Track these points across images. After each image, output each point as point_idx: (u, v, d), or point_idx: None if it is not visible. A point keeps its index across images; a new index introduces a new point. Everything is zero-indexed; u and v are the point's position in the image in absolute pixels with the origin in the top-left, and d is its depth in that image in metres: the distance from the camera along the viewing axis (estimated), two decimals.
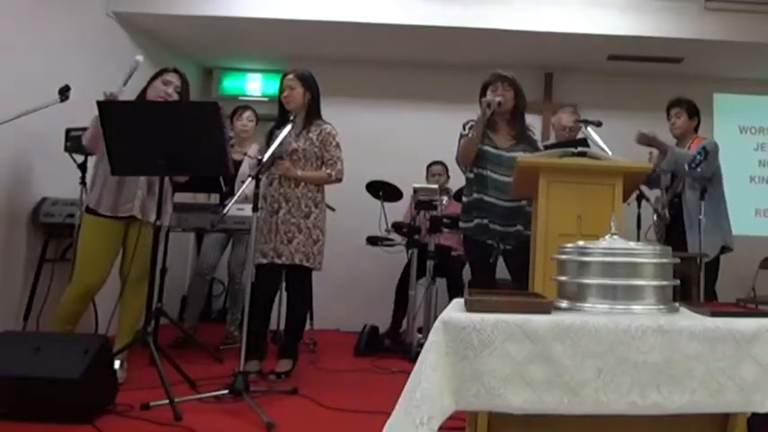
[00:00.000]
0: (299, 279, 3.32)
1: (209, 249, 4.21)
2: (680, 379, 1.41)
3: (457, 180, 4.59)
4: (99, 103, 2.75)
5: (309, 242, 3.22)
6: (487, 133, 3.24)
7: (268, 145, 3.31)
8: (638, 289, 1.55)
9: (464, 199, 3.33)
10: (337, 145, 3.34)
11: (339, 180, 3.35)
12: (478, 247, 3.23)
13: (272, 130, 3.37)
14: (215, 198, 4.24)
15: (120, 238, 3.09)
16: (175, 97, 3.11)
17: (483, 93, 3.28)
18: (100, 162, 3.04)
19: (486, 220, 3.17)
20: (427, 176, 4.90)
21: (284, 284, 3.35)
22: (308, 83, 3.32)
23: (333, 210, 4.35)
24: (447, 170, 4.94)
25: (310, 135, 3.29)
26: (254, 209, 2.79)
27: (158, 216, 2.88)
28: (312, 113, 3.33)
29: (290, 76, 3.31)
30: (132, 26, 4.69)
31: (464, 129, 3.29)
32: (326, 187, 3.48)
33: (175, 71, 3.20)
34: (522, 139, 3.28)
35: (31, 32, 3.65)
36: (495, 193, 3.15)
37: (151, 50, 4.92)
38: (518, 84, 3.29)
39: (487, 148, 3.21)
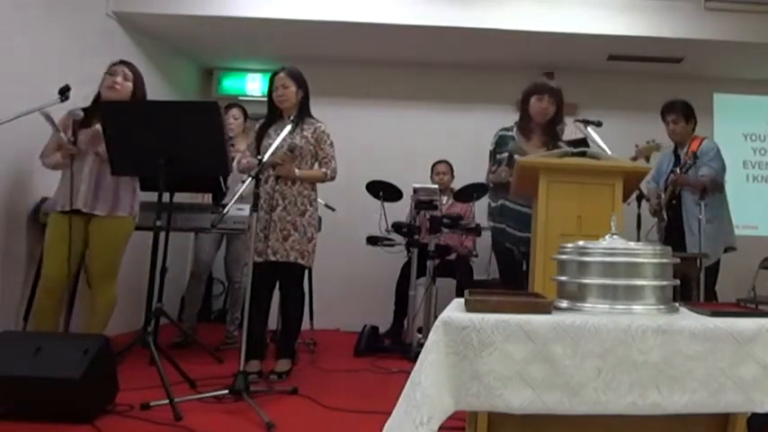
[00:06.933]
0: (294, 277, 3.30)
1: (203, 249, 4.22)
2: (680, 379, 1.41)
3: (461, 179, 4.60)
4: (100, 104, 2.76)
5: (304, 240, 3.21)
6: (518, 143, 3.27)
7: (259, 144, 3.32)
8: (638, 289, 1.54)
9: (492, 204, 3.37)
10: (331, 143, 3.35)
11: (333, 179, 3.35)
12: (502, 249, 3.31)
13: (261, 129, 3.36)
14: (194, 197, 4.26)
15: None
16: (127, 86, 3.18)
17: (526, 100, 3.31)
18: None
19: (502, 225, 3.25)
20: (432, 175, 4.91)
21: (278, 284, 3.33)
22: (300, 81, 3.32)
23: (333, 210, 4.37)
24: (452, 169, 4.94)
25: (305, 133, 3.28)
26: (254, 208, 2.79)
27: (158, 216, 2.88)
28: (304, 111, 3.33)
29: (282, 74, 3.29)
30: (132, 26, 4.68)
31: (493, 144, 3.36)
32: (327, 187, 3.47)
33: (122, 62, 3.26)
34: (552, 143, 3.30)
35: (30, 32, 3.65)
36: (517, 199, 3.18)
37: (151, 50, 4.92)
38: (562, 97, 3.33)
39: (515, 156, 3.17)
